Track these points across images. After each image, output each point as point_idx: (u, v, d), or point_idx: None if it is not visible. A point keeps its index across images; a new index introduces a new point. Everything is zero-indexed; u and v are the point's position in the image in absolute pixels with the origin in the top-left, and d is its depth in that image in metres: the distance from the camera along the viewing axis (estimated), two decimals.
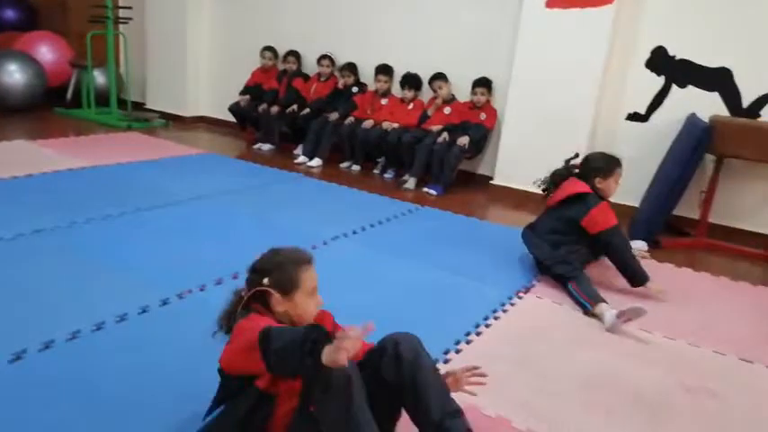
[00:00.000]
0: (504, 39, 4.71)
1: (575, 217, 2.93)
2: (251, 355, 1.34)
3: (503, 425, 1.84)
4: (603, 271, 3.11)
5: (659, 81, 4.30)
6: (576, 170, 3.10)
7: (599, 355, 2.36)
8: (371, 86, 5.35)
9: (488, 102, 4.85)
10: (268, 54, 5.88)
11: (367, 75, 5.40)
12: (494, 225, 4.04)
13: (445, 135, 4.74)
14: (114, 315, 2.26)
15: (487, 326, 2.50)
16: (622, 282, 2.96)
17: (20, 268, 2.63)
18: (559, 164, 3.19)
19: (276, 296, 1.51)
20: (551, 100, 4.42)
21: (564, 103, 4.36)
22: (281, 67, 5.89)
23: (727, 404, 2.10)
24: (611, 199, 3.11)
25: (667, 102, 4.29)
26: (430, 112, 5.02)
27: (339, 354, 1.20)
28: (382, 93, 5.26)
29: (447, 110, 4.96)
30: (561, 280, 2.91)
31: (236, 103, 5.87)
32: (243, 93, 5.90)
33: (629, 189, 3.81)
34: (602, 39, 4.22)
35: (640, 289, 2.91)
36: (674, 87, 4.25)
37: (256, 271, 1.55)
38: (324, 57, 5.52)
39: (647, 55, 4.30)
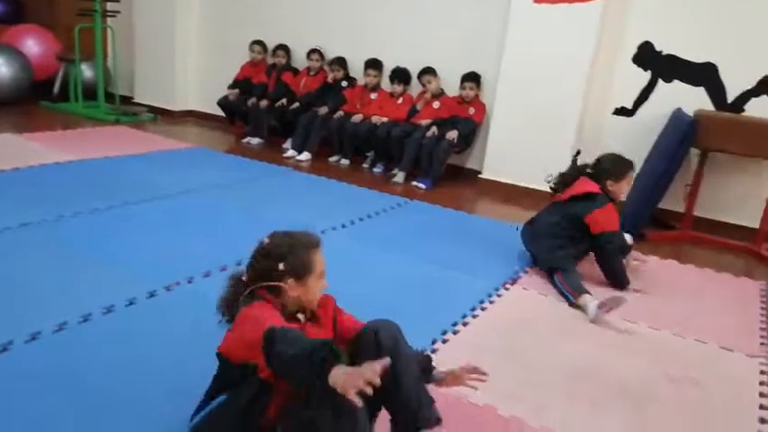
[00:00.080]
0: (493, 34, 4.72)
1: (579, 214, 2.95)
2: (253, 351, 1.33)
3: (489, 412, 1.87)
4: (592, 262, 3.13)
5: (646, 76, 4.34)
6: (589, 170, 3.11)
7: (584, 346, 2.39)
8: (361, 81, 5.35)
9: (477, 96, 4.87)
10: (257, 48, 5.86)
11: (356, 69, 5.40)
12: (482, 219, 4.06)
13: (434, 129, 4.75)
14: (101, 307, 2.26)
15: (474, 317, 2.53)
16: None
17: (6, 261, 2.62)
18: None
19: (290, 282, 1.48)
20: (539, 95, 4.44)
21: (552, 98, 4.39)
22: (270, 61, 5.87)
23: (708, 393, 2.14)
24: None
25: (654, 96, 4.33)
26: (419, 107, 5.04)
27: (348, 390, 1.17)
28: (371, 87, 5.26)
29: (436, 104, 4.98)
30: (550, 271, 2.94)
31: (225, 97, 5.85)
32: (232, 87, 5.88)
33: None
34: (590, 34, 4.25)
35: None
36: (661, 82, 4.30)
37: (269, 256, 1.49)
38: (313, 51, 5.51)
39: (633, 50, 4.34)
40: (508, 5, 4.49)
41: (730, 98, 4.08)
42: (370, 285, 2.72)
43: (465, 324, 2.45)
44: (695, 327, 2.64)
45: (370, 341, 1.48)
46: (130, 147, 4.94)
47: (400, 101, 5.12)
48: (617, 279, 2.98)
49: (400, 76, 5.09)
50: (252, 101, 5.63)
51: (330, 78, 5.43)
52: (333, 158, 5.24)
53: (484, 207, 4.45)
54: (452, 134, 4.66)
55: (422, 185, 4.67)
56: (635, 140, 4.31)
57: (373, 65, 5.23)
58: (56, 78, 6.58)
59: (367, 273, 2.89)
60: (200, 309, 2.26)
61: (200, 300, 2.40)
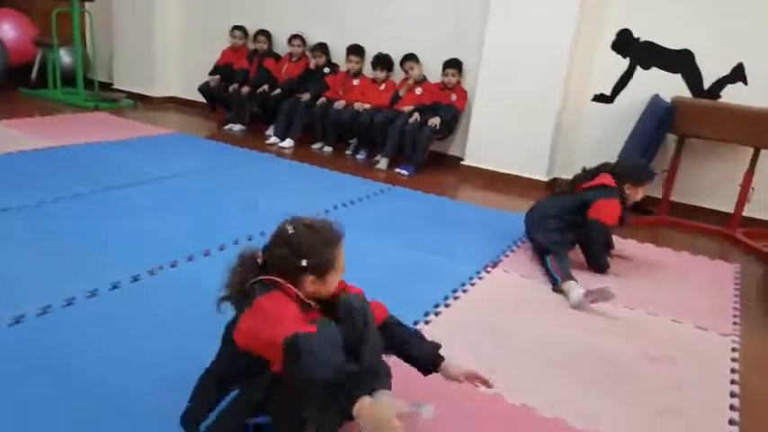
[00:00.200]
0: (475, 21, 4.74)
1: (588, 200, 3.01)
2: (270, 351, 1.32)
3: (469, 387, 1.90)
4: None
5: (624, 63, 4.40)
6: (612, 168, 3.15)
7: (564, 326, 2.44)
8: (343, 67, 5.35)
9: (459, 83, 4.89)
10: (238, 33, 5.81)
11: (338, 55, 5.39)
12: (464, 204, 4.10)
13: (417, 116, 4.77)
14: (85, 291, 2.26)
15: (456, 298, 2.57)
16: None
17: None
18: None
19: (311, 278, 1.46)
20: (520, 82, 4.48)
21: (532, 86, 4.43)
22: (251, 46, 5.83)
23: (684, 370, 2.21)
24: None
25: (632, 83, 4.40)
26: (401, 93, 5.05)
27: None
28: (354, 73, 5.26)
29: (418, 90, 4.99)
30: (542, 252, 2.99)
31: (206, 84, 5.80)
32: (213, 73, 5.83)
33: None
34: (570, 21, 4.28)
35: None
36: (639, 69, 4.36)
37: (291, 250, 1.44)
38: (295, 36, 5.48)
39: (612, 37, 4.39)
40: None
41: (706, 85, 4.15)
42: (353, 270, 2.72)
43: (447, 305, 2.49)
44: (672, 307, 2.71)
45: (346, 318, 1.49)
46: (111, 133, 4.89)
47: (383, 87, 5.12)
48: (597, 265, 3.04)
49: (383, 62, 5.09)
50: (233, 87, 5.59)
51: (312, 64, 5.41)
52: (316, 145, 5.24)
53: (466, 193, 4.49)
54: (435, 120, 4.69)
55: (404, 172, 4.69)
56: (614, 127, 4.38)
57: (355, 51, 5.22)
58: (33, 64, 6.47)
59: (349, 258, 2.89)
60: (183, 292, 2.29)
61: (184, 283, 2.43)
